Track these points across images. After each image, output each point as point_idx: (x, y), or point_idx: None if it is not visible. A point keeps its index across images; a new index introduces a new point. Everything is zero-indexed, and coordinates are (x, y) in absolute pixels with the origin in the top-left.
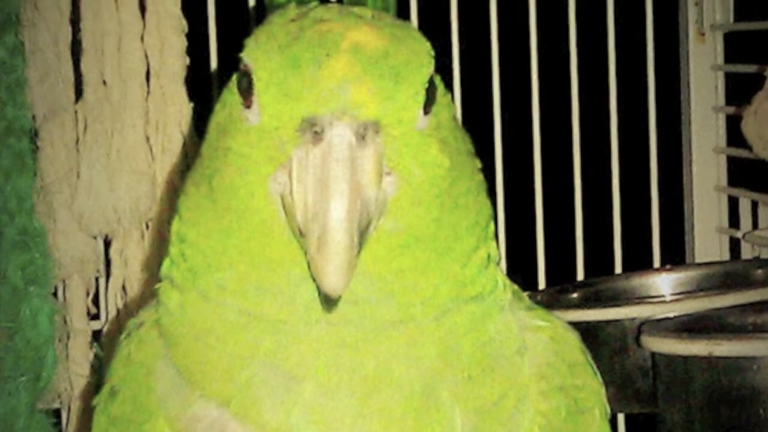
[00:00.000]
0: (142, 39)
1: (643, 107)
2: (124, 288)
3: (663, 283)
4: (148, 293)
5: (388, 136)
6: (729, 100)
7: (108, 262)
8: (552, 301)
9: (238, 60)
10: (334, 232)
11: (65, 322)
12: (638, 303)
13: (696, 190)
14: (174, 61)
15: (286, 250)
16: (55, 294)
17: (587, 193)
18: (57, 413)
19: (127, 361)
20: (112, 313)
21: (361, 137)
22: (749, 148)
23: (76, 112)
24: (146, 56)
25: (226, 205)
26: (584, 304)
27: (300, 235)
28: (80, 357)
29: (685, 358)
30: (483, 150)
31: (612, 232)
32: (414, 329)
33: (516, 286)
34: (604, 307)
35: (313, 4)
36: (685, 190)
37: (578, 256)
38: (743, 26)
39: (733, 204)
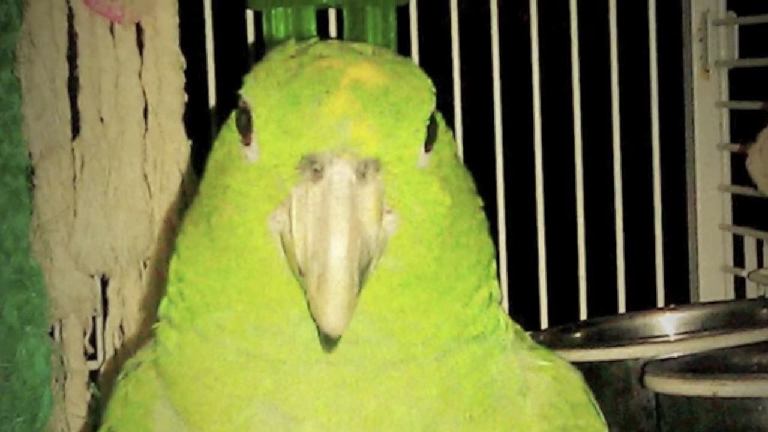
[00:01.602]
0: (139, 76)
1: (647, 144)
2: (121, 327)
3: (667, 322)
4: (146, 333)
5: (388, 174)
6: (734, 138)
7: (105, 302)
8: (555, 340)
9: (237, 97)
10: (335, 271)
11: (62, 362)
12: (642, 343)
13: (700, 229)
14: (172, 98)
15: (286, 290)
16: (51, 334)
17: (590, 232)
18: None
19: (124, 401)
20: (110, 353)
21: (362, 175)
22: (754, 186)
23: (72, 149)
24: (144, 93)
25: (224, 243)
26: (587, 343)
27: (299, 274)
28: (77, 397)
29: (690, 399)
30: (485, 188)
31: (615, 271)
32: (415, 369)
33: (518, 326)
34: (608, 346)
35: (313, 40)
36: (690, 229)
37: (581, 295)
38: (748, 63)
39: (738, 243)
